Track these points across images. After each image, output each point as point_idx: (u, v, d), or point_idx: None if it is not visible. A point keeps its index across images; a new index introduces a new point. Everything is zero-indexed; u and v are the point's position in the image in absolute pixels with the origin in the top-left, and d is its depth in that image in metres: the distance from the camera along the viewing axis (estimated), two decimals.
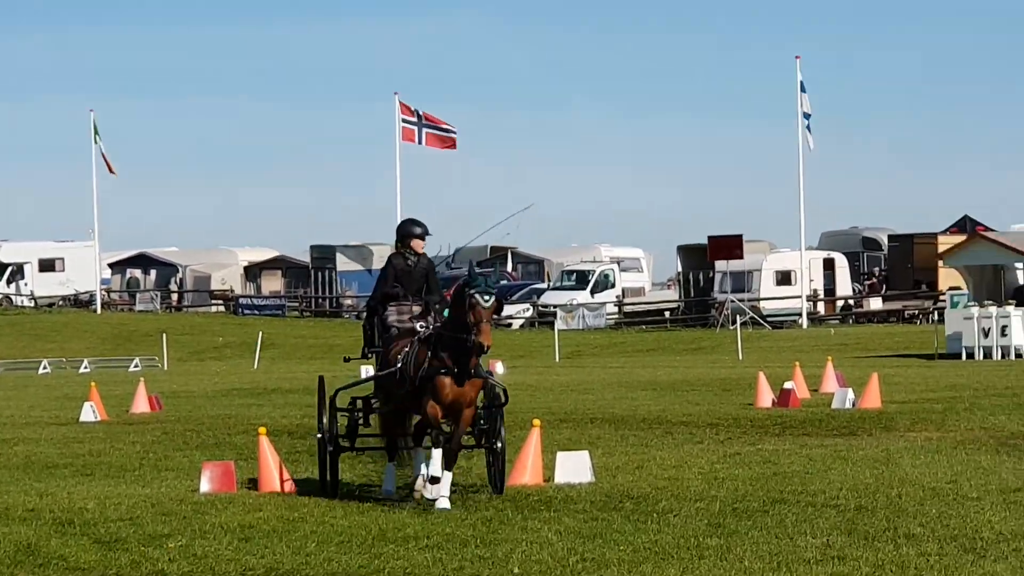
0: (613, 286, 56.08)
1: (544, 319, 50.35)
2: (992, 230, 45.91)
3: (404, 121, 34.77)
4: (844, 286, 53.84)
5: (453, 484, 9.24)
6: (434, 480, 8.98)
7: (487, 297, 8.68)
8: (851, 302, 54.31)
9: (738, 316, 44.90)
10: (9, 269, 64.99)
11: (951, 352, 33.58)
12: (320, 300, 61.76)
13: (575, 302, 49.16)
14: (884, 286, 53.47)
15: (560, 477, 9.94)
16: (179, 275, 66.13)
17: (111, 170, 54.20)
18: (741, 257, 50.36)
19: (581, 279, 55.38)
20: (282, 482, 10.43)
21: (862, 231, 59.34)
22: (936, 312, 43.45)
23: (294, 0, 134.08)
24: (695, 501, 9.12)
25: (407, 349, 9.17)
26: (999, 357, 32.24)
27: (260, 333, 45.26)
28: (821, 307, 53.55)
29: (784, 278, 49.81)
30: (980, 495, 9.31)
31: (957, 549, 6.98)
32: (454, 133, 35.41)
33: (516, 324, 52.44)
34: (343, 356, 12.81)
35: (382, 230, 74.30)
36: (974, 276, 36.68)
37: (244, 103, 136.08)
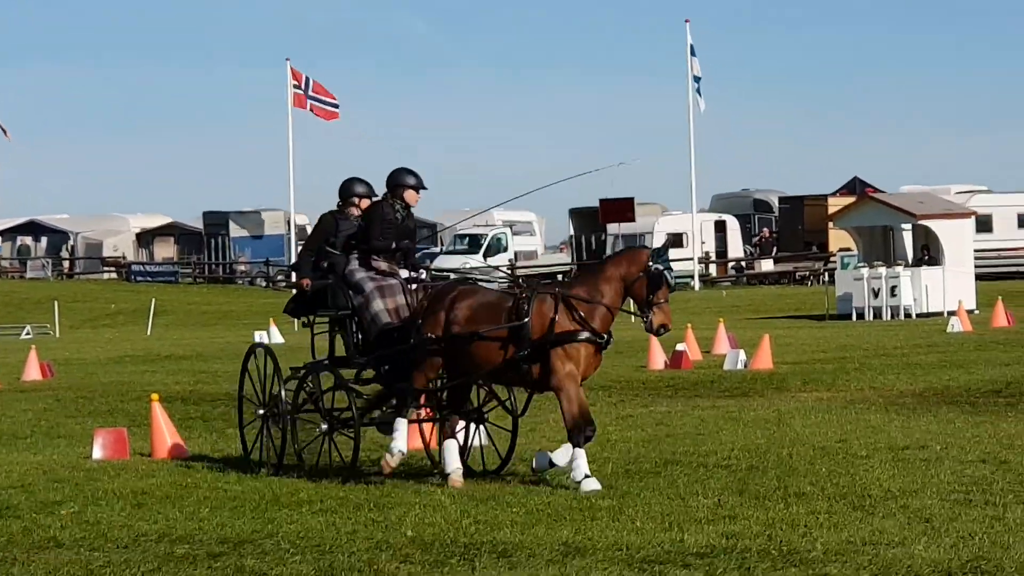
0: (505, 250, 57.55)
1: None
2: (881, 191, 46.97)
3: (295, 87, 34.51)
4: (736, 248, 55.38)
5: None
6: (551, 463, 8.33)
7: (672, 275, 8.27)
8: (743, 264, 55.99)
9: None
10: None
11: (841, 313, 34.23)
12: (213, 267, 61.70)
13: (467, 265, 49.48)
14: (775, 248, 55.00)
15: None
16: (70, 242, 65.68)
17: (6, 135, 51.55)
18: (633, 220, 51.01)
19: (473, 243, 56.63)
20: (174, 448, 10.55)
21: (753, 193, 60.55)
22: (826, 273, 45.25)
23: None
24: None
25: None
26: (889, 317, 32.97)
27: (153, 300, 44.72)
28: (713, 269, 54.90)
29: (676, 240, 50.57)
30: (869, 453, 9.60)
31: (846, 506, 7.17)
32: (336, 107, 35.16)
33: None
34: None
35: (274, 197, 75.49)
36: (864, 237, 36.76)
37: (137, 68, 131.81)
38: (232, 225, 59.11)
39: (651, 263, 8.18)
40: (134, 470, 9.78)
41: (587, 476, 7.94)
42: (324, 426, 9.11)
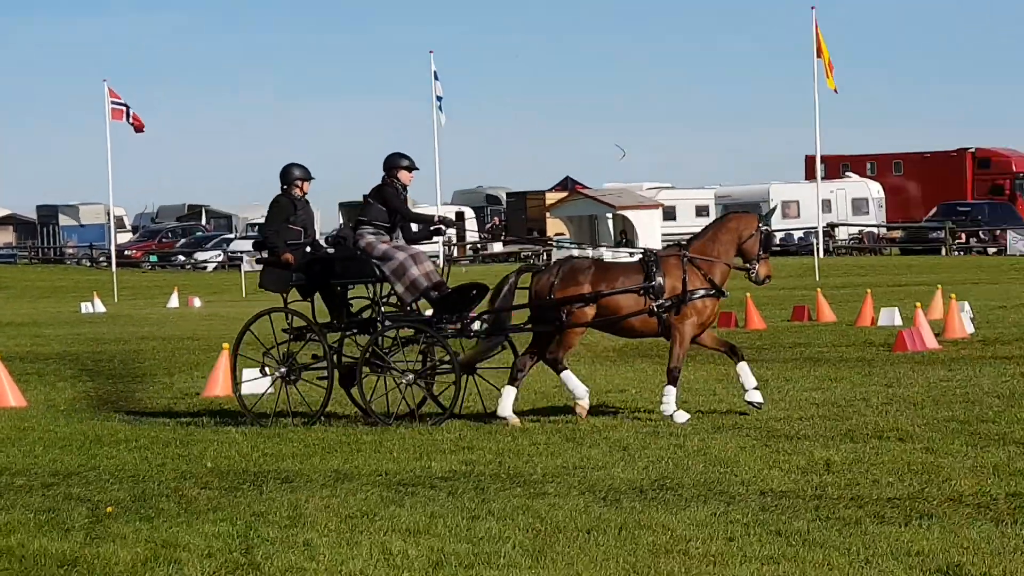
0: None
1: (233, 263, 57.04)
2: (588, 187, 61.79)
3: (113, 103, 40.39)
4: (473, 234, 63.93)
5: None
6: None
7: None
8: (479, 246, 64.71)
9: None
10: None
11: None
12: (45, 250, 73.99)
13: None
14: (504, 232, 64.59)
15: (246, 389, 10.83)
16: None
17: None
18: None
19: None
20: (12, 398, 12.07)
21: (486, 189, 73.50)
22: (546, 254, 51.70)
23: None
24: (355, 408, 10.61)
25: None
26: None
27: None
28: (455, 251, 62.32)
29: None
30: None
31: (561, 439, 8.78)
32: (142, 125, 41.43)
33: (210, 267, 61.41)
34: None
35: (93, 192, 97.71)
36: (574, 225, 50.85)
37: None
38: (61, 216, 72.01)
39: (762, 225, 9.80)
40: None
41: (676, 409, 9.43)
42: (411, 376, 9.71)
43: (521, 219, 61.95)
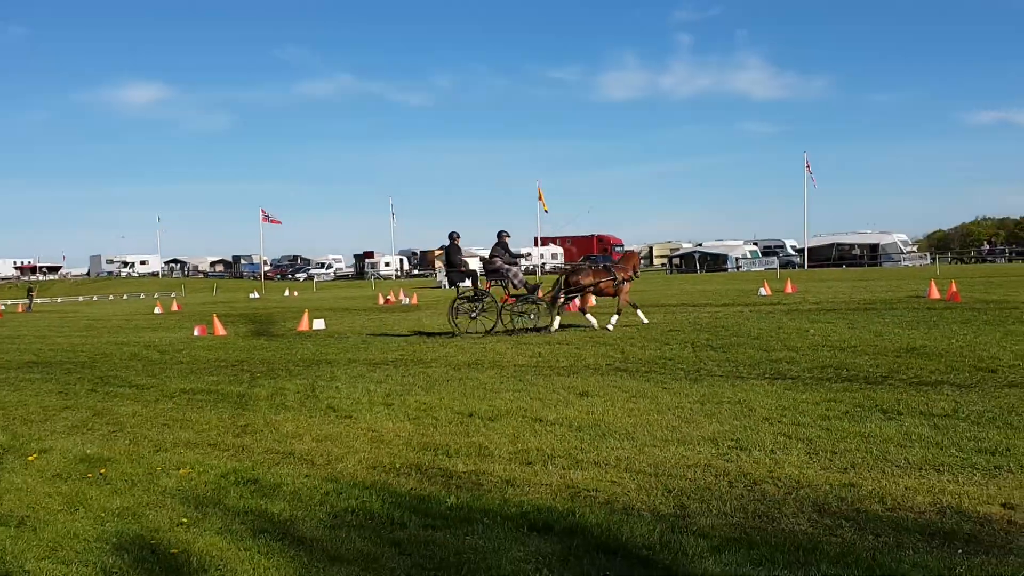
0: None
1: (309, 279, 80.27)
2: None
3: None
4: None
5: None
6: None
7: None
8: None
9: None
10: None
11: None
12: (236, 274, 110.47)
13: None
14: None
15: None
16: None
17: None
18: None
19: None
20: None
21: (412, 248, 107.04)
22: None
23: None
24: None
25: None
26: None
27: None
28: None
29: None
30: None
31: (487, 346, 16.28)
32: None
33: (301, 279, 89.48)
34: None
35: (256, 248, 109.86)
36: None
37: None
38: (243, 259, 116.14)
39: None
40: None
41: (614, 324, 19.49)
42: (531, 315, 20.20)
43: (425, 260, 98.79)
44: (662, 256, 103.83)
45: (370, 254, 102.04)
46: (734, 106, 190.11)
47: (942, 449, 7.22)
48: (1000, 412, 8.55)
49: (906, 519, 5.55)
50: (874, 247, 75.23)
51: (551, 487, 6.59)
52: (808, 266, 73.43)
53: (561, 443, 8.03)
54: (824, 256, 76.41)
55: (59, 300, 74.25)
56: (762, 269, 73.50)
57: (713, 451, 7.51)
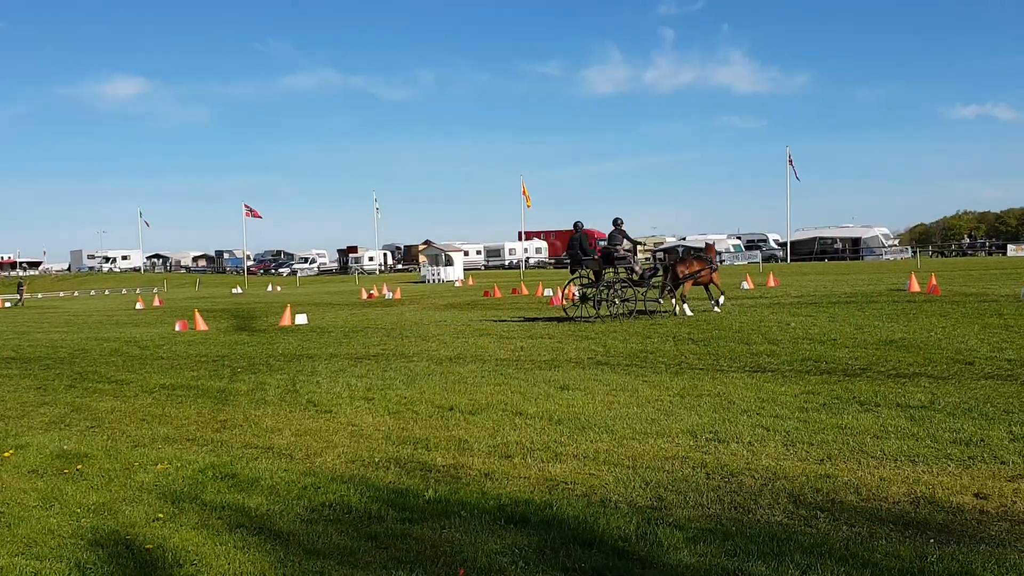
0: None
1: (292, 274, 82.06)
2: (434, 242, 78.11)
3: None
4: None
5: None
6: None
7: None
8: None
9: None
10: None
11: None
12: (219, 269, 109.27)
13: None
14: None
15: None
16: None
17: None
18: None
19: None
20: None
21: (396, 242, 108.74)
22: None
23: None
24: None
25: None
26: None
27: None
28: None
29: None
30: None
31: (468, 337, 16.25)
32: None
33: (285, 274, 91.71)
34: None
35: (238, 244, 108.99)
36: (430, 259, 67.19)
37: None
38: (226, 254, 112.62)
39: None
40: None
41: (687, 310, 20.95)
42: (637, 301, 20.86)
43: (410, 256, 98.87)
44: (646, 250, 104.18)
45: (353, 249, 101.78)
46: (717, 100, 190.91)
47: (918, 440, 7.27)
48: (976, 403, 8.62)
49: (880, 509, 5.59)
50: (856, 241, 75.69)
51: (529, 480, 6.60)
52: (791, 260, 73.82)
53: (540, 436, 8.04)
54: (806, 250, 76.91)
55: (39, 296, 73.69)
56: (745, 263, 73.82)
57: (691, 443, 7.54)
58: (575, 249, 20.82)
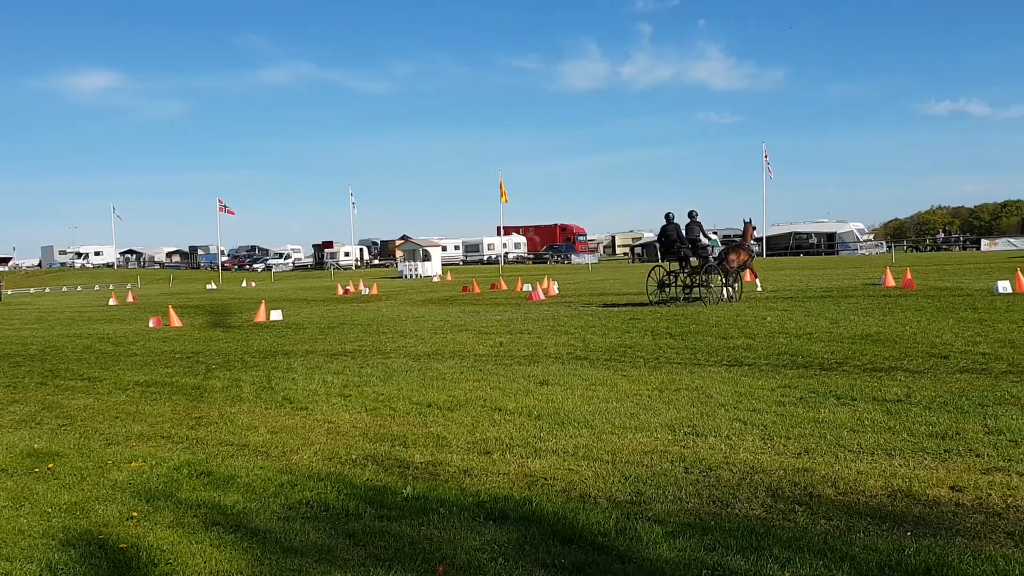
0: None
1: (268, 269, 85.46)
2: (411, 238, 76.73)
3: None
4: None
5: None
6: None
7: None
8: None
9: None
10: None
11: None
12: (193, 264, 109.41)
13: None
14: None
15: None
16: None
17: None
18: None
19: None
20: None
21: (373, 238, 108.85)
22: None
23: None
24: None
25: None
26: None
27: None
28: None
29: None
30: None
31: (447, 335, 16.19)
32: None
33: (259, 270, 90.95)
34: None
35: (212, 239, 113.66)
36: (407, 253, 66.34)
37: None
38: (200, 250, 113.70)
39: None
40: None
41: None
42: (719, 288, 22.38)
43: (386, 251, 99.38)
44: (624, 245, 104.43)
45: (329, 244, 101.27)
46: (694, 96, 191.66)
47: (894, 434, 7.31)
48: (951, 397, 8.69)
49: (858, 503, 5.61)
50: (831, 236, 76.28)
51: (509, 476, 6.57)
52: (767, 255, 74.28)
53: (520, 432, 8.02)
54: (782, 245, 77.51)
55: (9, 292, 72.68)
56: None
57: (670, 437, 7.54)
58: (673, 238, 22.33)
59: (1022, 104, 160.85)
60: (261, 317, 23.79)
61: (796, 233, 78.02)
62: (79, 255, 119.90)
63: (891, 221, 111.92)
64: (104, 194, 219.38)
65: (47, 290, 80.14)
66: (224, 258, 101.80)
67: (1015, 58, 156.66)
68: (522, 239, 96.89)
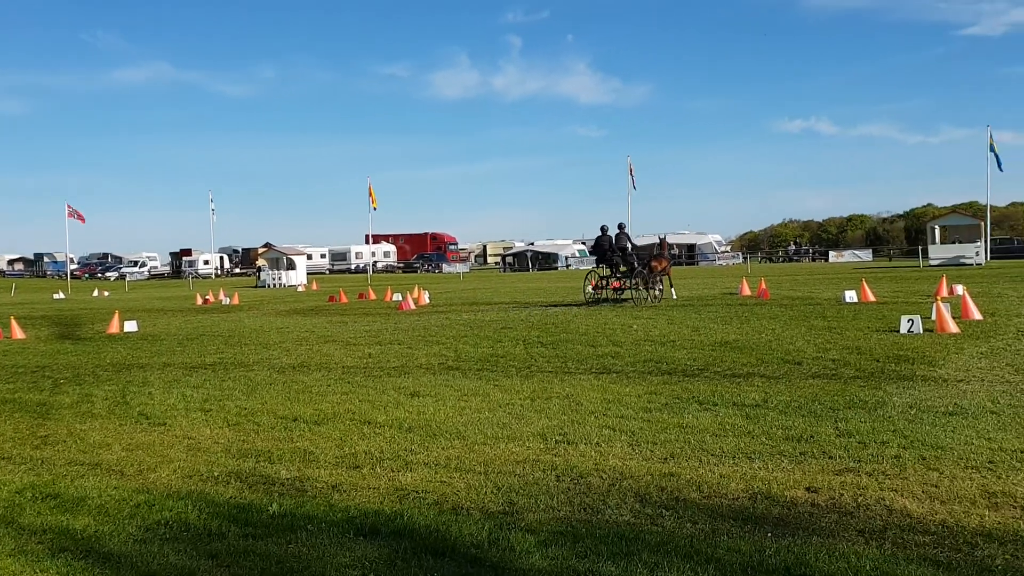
0: None
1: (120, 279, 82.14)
2: (276, 245, 77.17)
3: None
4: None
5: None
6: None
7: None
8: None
9: None
10: None
11: None
12: (39, 272, 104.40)
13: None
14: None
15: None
16: None
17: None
18: None
19: None
20: None
21: (234, 245, 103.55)
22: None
23: None
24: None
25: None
26: None
27: None
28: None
29: None
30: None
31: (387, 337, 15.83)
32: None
33: (113, 278, 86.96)
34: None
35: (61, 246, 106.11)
36: (269, 262, 65.02)
37: None
38: (46, 257, 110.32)
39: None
40: None
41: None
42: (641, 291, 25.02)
43: (248, 259, 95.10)
44: (496, 254, 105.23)
45: (188, 252, 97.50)
46: (563, 109, 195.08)
47: (753, 438, 7.61)
48: (805, 402, 9.13)
49: (721, 506, 5.79)
50: (692, 247, 79.26)
51: (379, 490, 6.45)
52: None
53: (390, 445, 7.89)
54: (646, 255, 79.90)
55: None
56: (590, 267, 75.91)
57: (542, 446, 7.59)
58: (606, 247, 25.10)
59: (867, 123, 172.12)
60: (114, 328, 22.57)
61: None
62: None
63: (747, 233, 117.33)
64: None
65: None
66: (74, 266, 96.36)
67: (859, 80, 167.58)
68: (392, 248, 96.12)
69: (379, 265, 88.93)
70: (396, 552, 5.11)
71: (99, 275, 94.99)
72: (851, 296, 22.93)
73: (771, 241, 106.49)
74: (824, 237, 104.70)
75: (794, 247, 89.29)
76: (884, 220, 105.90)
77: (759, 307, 21.59)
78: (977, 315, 16.97)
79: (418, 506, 6.00)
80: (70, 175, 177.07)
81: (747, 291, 27.90)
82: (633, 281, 24.71)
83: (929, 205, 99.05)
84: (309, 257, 79.10)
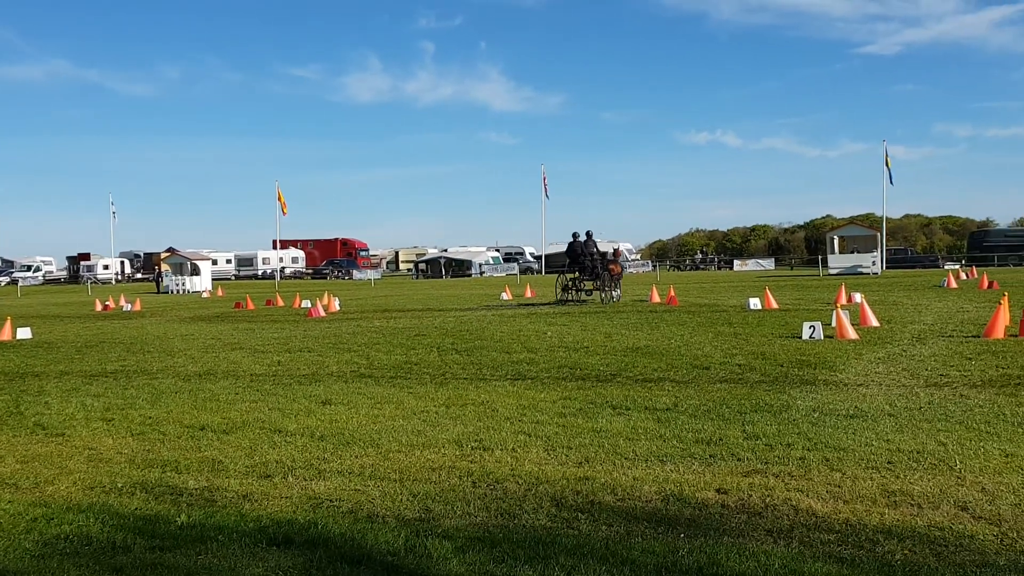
0: None
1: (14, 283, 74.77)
2: (180, 250, 71.11)
3: None
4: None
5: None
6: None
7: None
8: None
9: None
10: None
11: None
12: None
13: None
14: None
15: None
16: None
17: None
18: None
19: None
20: None
21: (138, 249, 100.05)
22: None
23: None
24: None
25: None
26: None
27: None
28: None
29: None
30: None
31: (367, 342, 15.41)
32: None
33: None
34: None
35: None
36: (174, 266, 62.93)
37: None
38: None
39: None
40: None
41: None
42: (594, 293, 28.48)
43: (151, 264, 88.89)
44: (408, 261, 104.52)
45: (86, 256, 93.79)
46: (476, 116, 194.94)
47: (665, 441, 7.76)
48: (714, 405, 9.35)
49: (635, 508, 5.88)
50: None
51: (292, 500, 6.32)
52: (545, 272, 77.03)
53: (302, 454, 7.75)
54: (560, 263, 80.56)
55: None
56: (504, 275, 76.18)
57: (458, 453, 7.57)
58: (578, 252, 27.57)
59: (769, 137, 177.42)
60: (6, 335, 21.50)
61: None
62: None
63: (655, 242, 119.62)
64: None
65: None
66: None
67: (763, 94, 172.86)
68: (300, 253, 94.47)
69: (287, 271, 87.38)
70: (311, 561, 5.01)
71: None
72: (755, 303, 23.62)
73: (679, 250, 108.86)
74: (729, 246, 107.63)
75: (701, 256, 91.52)
76: (786, 230, 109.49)
77: (668, 314, 22.04)
78: (875, 322, 17.71)
79: (332, 515, 5.91)
80: None
81: (656, 298, 28.47)
82: (601, 283, 27.57)
83: (828, 216, 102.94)
84: (214, 262, 76.95)
